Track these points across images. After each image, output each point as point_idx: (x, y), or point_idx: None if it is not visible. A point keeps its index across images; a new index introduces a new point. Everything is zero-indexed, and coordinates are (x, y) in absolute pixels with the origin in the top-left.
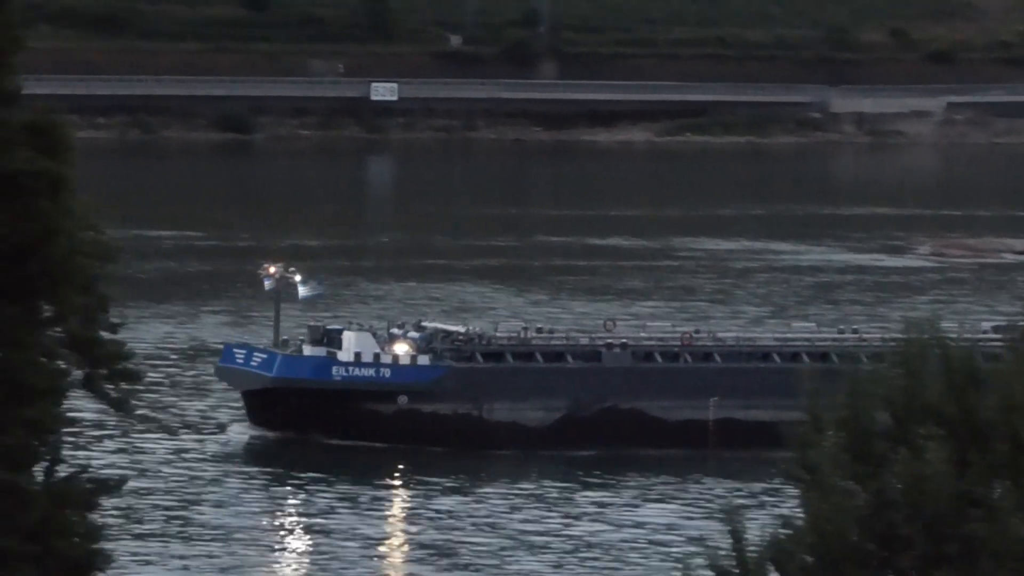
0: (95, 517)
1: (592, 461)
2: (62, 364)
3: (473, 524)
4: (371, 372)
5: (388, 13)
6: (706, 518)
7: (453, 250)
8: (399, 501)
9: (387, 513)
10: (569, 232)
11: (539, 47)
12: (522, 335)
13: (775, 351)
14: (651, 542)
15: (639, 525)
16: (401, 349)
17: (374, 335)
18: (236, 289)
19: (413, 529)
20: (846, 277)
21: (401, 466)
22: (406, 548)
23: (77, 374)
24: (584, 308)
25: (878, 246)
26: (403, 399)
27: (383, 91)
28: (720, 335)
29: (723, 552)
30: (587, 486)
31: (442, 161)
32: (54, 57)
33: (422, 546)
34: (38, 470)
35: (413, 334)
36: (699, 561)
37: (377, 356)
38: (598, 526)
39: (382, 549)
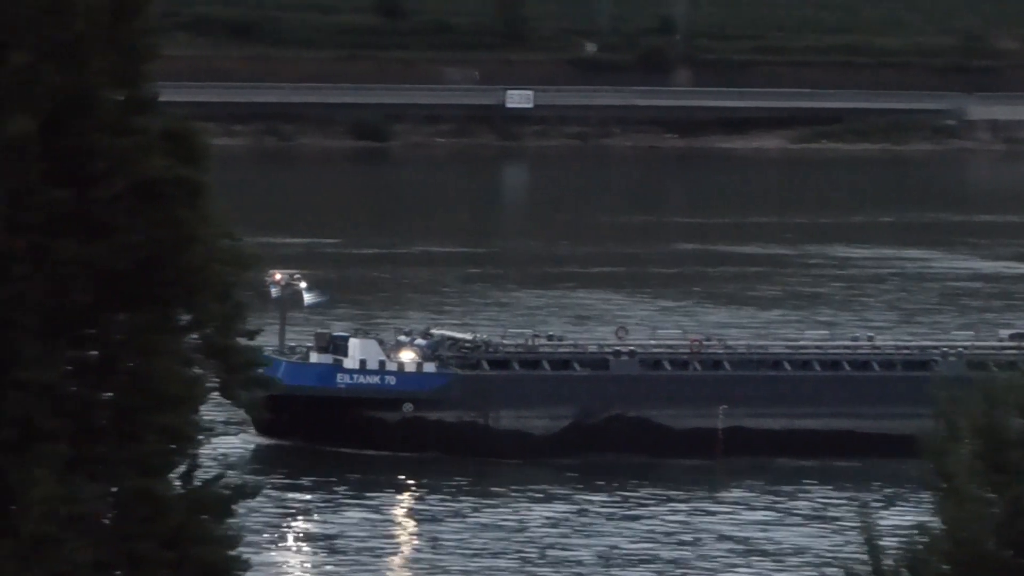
0: (232, 523)
1: (607, 467)
2: (198, 371)
3: (474, 529)
4: (376, 380)
5: (523, 21)
6: (801, 525)
7: (584, 257)
8: (403, 508)
9: (391, 521)
10: (701, 239)
11: (674, 54)
12: (529, 343)
13: (786, 359)
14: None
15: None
16: (407, 356)
17: (380, 343)
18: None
19: (419, 537)
20: (975, 284)
21: (403, 475)
22: (410, 556)
23: (213, 381)
24: (711, 316)
25: (1010, 253)
26: (408, 407)
27: (518, 98)
28: (731, 343)
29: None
30: (624, 494)
31: (576, 169)
32: (191, 65)
33: (430, 551)
34: (175, 477)
35: (420, 341)
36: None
37: (382, 364)
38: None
39: (387, 557)
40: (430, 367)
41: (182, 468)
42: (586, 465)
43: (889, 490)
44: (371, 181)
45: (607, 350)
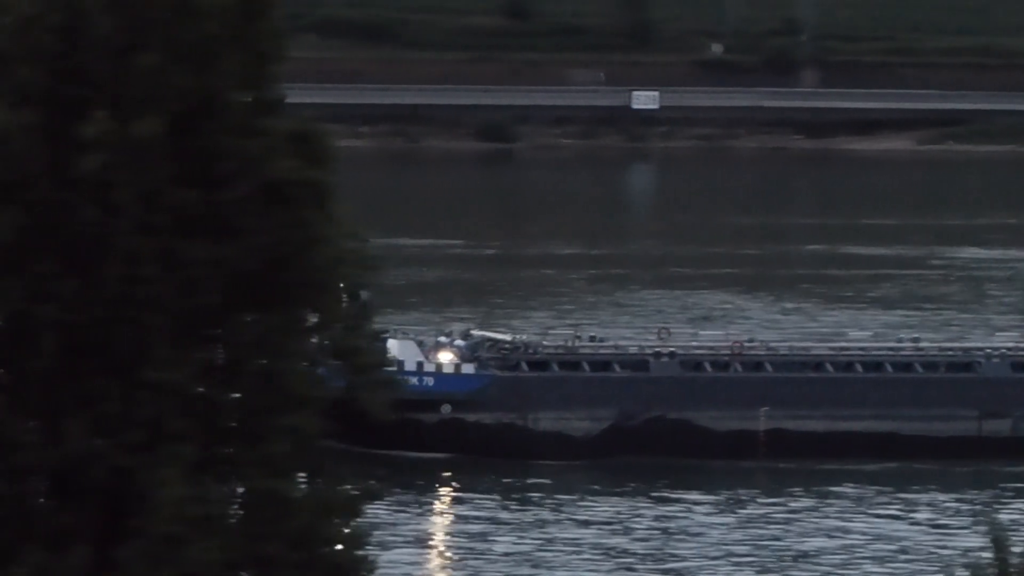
0: (358, 524)
1: (648, 469)
2: (324, 372)
3: (510, 530)
4: (414, 381)
5: (649, 22)
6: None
7: (707, 259)
8: (441, 510)
9: (427, 522)
10: (827, 241)
11: (801, 55)
12: (569, 344)
13: (828, 360)
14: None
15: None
16: (445, 357)
17: (419, 344)
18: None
19: (456, 538)
20: None
21: (441, 477)
22: (448, 559)
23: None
24: (831, 317)
25: None
26: (447, 408)
27: (644, 100)
28: (773, 344)
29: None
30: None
31: (702, 170)
32: (319, 66)
33: (468, 553)
34: (301, 478)
35: (459, 342)
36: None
37: (420, 365)
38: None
39: (422, 560)
40: (468, 368)
41: (309, 469)
42: (626, 466)
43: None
44: (497, 182)
45: (647, 351)
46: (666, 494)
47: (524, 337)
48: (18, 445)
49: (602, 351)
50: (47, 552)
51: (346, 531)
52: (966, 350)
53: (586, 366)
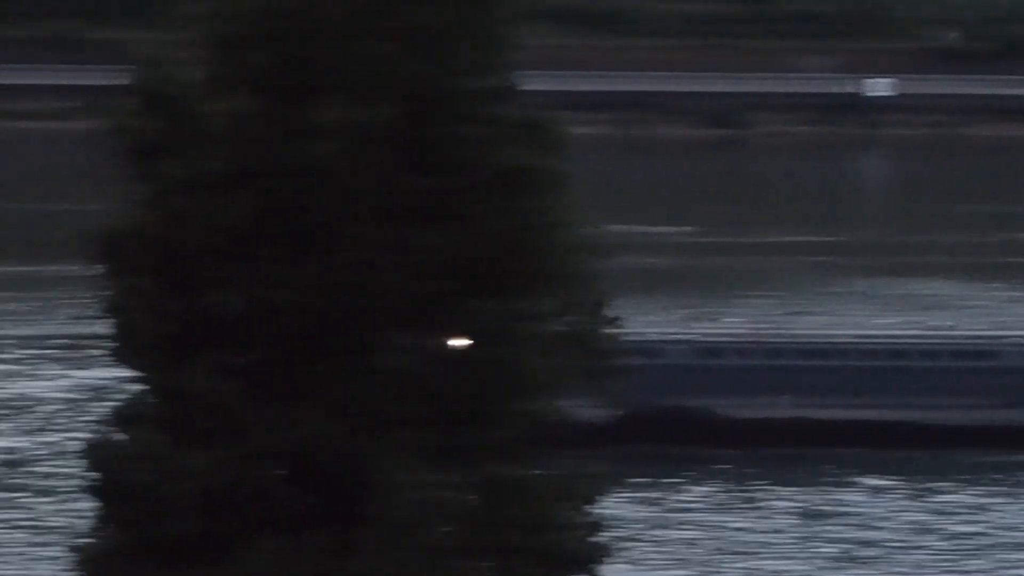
0: (593, 511)
1: (662, 458)
2: (559, 359)
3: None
4: None
5: (883, 9)
6: None
7: (935, 247)
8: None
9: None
10: None
11: None
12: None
13: (853, 348)
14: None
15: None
16: None
17: None
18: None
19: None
20: None
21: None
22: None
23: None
24: None
25: None
26: None
27: (878, 87)
28: (796, 331)
29: None
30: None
31: (937, 157)
32: (551, 54)
33: None
34: (537, 464)
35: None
36: None
37: None
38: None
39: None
40: None
41: (544, 456)
42: (641, 456)
43: None
44: (727, 170)
45: (666, 338)
46: (673, 481)
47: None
48: (254, 430)
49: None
50: (284, 537)
51: (582, 518)
52: (993, 338)
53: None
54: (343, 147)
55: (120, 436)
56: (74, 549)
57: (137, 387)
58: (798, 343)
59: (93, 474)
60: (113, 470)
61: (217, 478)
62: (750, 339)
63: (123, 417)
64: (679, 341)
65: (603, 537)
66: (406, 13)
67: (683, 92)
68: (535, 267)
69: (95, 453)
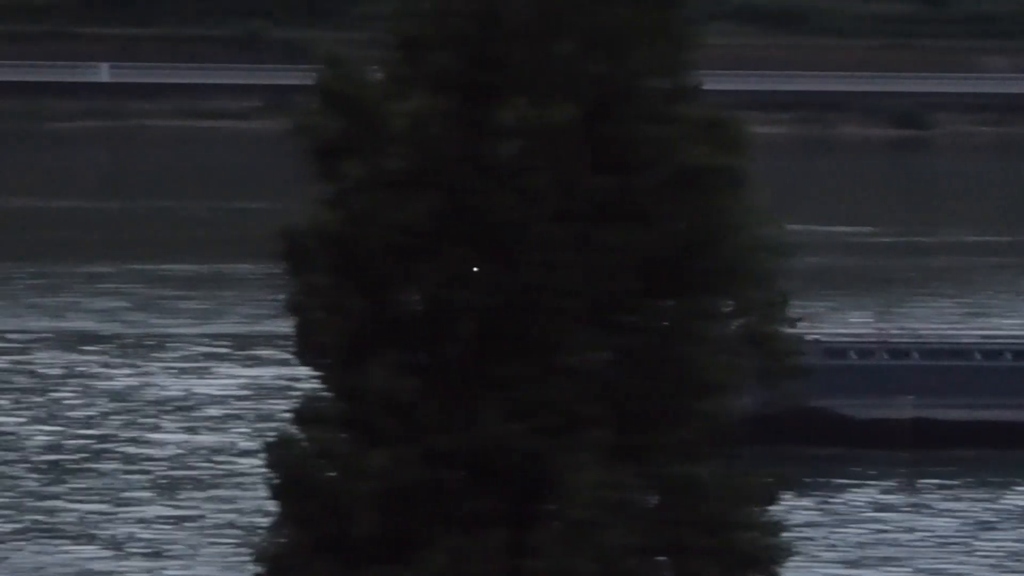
0: (773, 511)
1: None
2: (739, 359)
3: None
4: None
5: None
6: None
7: None
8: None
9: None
10: None
11: None
12: None
13: (977, 349)
14: None
15: None
16: None
17: None
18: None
19: None
20: None
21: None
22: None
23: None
24: None
25: None
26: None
27: None
28: (922, 332)
29: None
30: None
31: None
32: (733, 53)
33: None
34: (716, 464)
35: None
36: None
37: None
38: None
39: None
40: None
41: (723, 455)
42: (769, 456)
43: None
44: (908, 170)
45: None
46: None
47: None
48: (435, 429)
49: None
50: (464, 535)
51: (760, 518)
52: None
53: None
54: (525, 147)
55: (300, 435)
56: (253, 547)
57: (317, 386)
58: (922, 343)
59: (273, 473)
60: (293, 469)
61: (397, 477)
62: (874, 339)
63: (303, 416)
64: (803, 341)
65: (782, 538)
66: (589, 14)
67: (866, 92)
68: (716, 267)
69: (275, 452)
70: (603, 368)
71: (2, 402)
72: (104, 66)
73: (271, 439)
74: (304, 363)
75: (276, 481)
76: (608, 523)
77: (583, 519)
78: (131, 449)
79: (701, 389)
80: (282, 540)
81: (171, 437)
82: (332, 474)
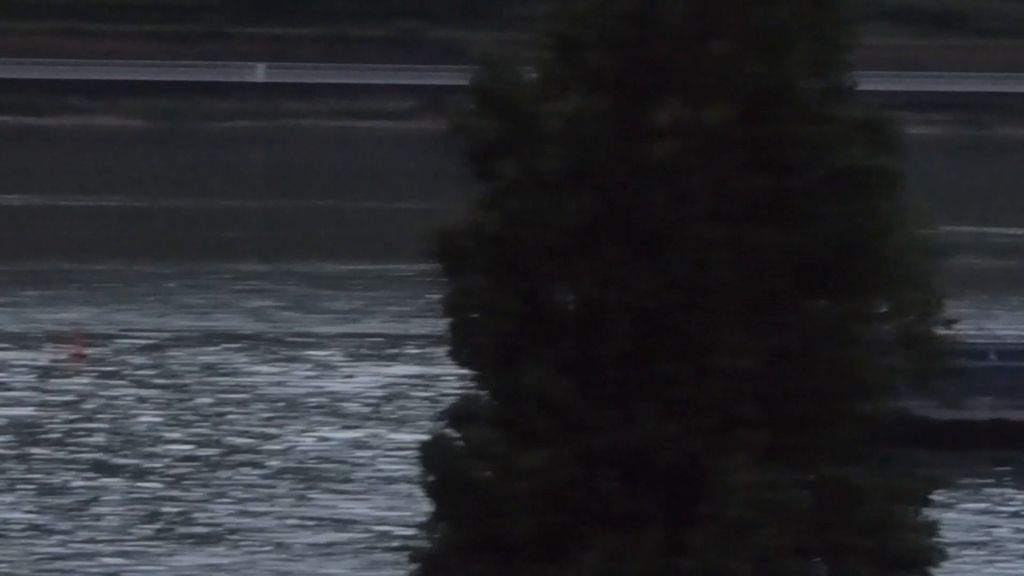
0: (928, 512)
1: None
2: (894, 360)
3: None
4: None
5: None
6: None
7: None
8: None
9: None
10: None
11: None
12: None
13: None
14: None
15: None
16: None
17: None
18: None
19: None
20: None
21: None
22: None
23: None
24: None
25: None
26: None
27: None
28: (1000, 332)
29: None
30: None
31: None
32: (889, 54)
33: None
34: (872, 466)
35: None
36: None
37: None
38: None
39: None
40: None
41: (879, 456)
42: None
43: None
44: None
45: None
46: None
47: None
48: (590, 429)
49: None
50: (619, 536)
51: (917, 519)
52: None
53: None
54: (680, 147)
55: (455, 435)
56: (408, 547)
57: (470, 385)
58: (999, 344)
59: (427, 472)
60: (448, 469)
61: (553, 477)
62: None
63: (458, 416)
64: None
65: (938, 539)
66: (744, 14)
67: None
68: (871, 267)
69: (430, 452)
70: (758, 368)
71: (141, 401)
72: (260, 66)
73: (426, 439)
74: (459, 363)
75: (430, 480)
76: (763, 524)
77: (738, 519)
78: (268, 447)
79: (858, 390)
80: (436, 539)
81: (307, 436)
82: (487, 474)
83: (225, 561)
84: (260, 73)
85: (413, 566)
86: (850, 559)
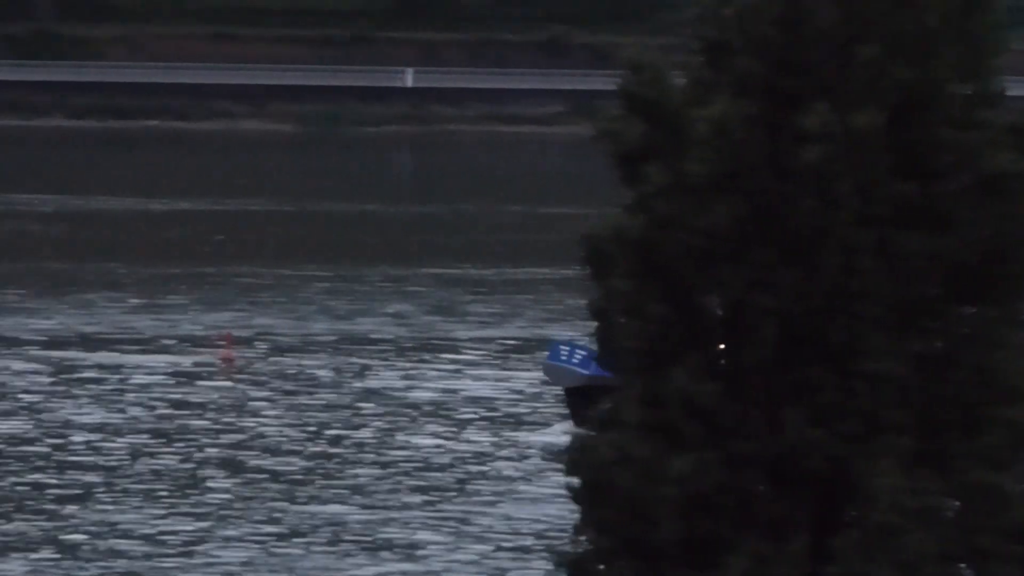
0: None
1: None
2: None
3: None
4: None
5: None
6: None
7: None
8: None
9: None
10: None
11: None
12: None
13: None
14: None
15: None
16: None
17: None
18: None
19: None
20: None
21: None
22: None
23: None
24: None
25: None
26: None
27: None
28: None
29: None
30: None
31: None
32: None
33: None
34: (1018, 471)
35: None
36: None
37: None
38: None
39: None
40: None
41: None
42: None
43: None
44: None
45: None
46: None
47: None
48: (737, 434)
49: None
50: (766, 541)
51: None
52: None
53: None
54: (827, 152)
55: (600, 439)
56: (553, 552)
57: (619, 391)
58: None
59: (573, 477)
60: (594, 474)
61: (699, 482)
62: None
63: (604, 421)
64: None
65: None
66: (893, 17)
67: None
68: (1018, 273)
69: (575, 457)
70: (904, 374)
71: (267, 404)
72: (409, 71)
73: (571, 443)
74: (605, 368)
75: (576, 485)
76: (909, 529)
77: (884, 525)
78: (392, 452)
79: (1004, 395)
80: (583, 544)
81: (433, 440)
82: (633, 479)
83: (345, 564)
84: (408, 78)
85: (562, 572)
86: (995, 565)
